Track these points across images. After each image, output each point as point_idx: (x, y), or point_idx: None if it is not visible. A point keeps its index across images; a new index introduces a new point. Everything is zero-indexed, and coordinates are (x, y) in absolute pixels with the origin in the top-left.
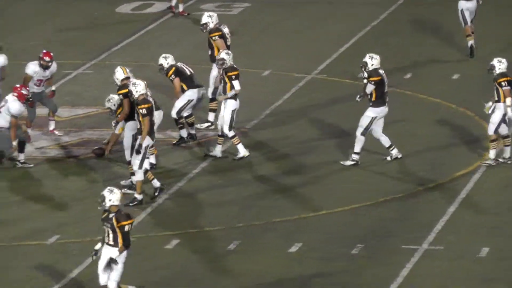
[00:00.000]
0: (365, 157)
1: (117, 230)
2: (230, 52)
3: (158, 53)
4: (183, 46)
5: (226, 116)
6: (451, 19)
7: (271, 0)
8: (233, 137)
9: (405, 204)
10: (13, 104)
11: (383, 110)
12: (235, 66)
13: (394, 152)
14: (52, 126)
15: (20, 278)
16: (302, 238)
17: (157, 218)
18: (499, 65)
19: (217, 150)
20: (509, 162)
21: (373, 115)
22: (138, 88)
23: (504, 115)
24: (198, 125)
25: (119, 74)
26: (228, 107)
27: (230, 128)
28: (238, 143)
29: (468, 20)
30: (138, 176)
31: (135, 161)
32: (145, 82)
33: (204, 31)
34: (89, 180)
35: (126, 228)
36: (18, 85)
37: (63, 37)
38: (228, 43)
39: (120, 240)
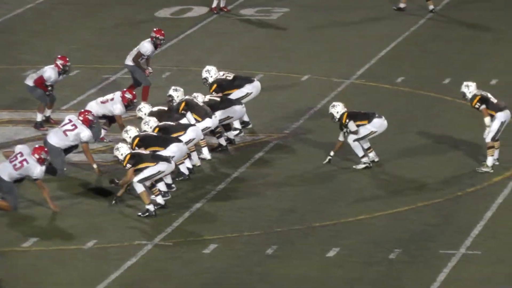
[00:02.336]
0: (406, 162)
1: None
2: (179, 88)
3: (198, 57)
4: (224, 51)
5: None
6: (492, 24)
7: (310, 5)
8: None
9: (443, 208)
10: (83, 132)
11: (381, 123)
12: (187, 98)
13: (366, 159)
14: (102, 133)
15: (59, 282)
16: (341, 242)
17: (195, 222)
18: (467, 89)
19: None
20: (497, 163)
21: (373, 129)
22: (122, 151)
23: (503, 123)
24: (227, 133)
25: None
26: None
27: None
28: (199, 148)
29: None
30: (137, 188)
31: (139, 173)
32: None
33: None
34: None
35: None
36: (83, 110)
37: (102, 41)
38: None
39: None
